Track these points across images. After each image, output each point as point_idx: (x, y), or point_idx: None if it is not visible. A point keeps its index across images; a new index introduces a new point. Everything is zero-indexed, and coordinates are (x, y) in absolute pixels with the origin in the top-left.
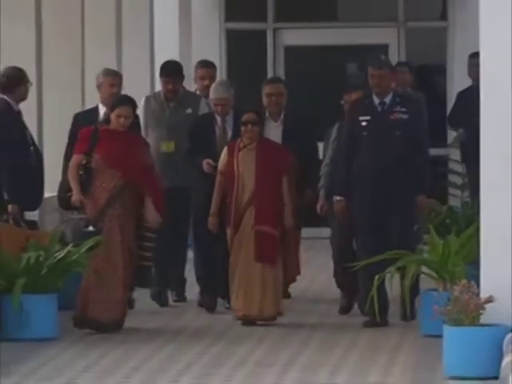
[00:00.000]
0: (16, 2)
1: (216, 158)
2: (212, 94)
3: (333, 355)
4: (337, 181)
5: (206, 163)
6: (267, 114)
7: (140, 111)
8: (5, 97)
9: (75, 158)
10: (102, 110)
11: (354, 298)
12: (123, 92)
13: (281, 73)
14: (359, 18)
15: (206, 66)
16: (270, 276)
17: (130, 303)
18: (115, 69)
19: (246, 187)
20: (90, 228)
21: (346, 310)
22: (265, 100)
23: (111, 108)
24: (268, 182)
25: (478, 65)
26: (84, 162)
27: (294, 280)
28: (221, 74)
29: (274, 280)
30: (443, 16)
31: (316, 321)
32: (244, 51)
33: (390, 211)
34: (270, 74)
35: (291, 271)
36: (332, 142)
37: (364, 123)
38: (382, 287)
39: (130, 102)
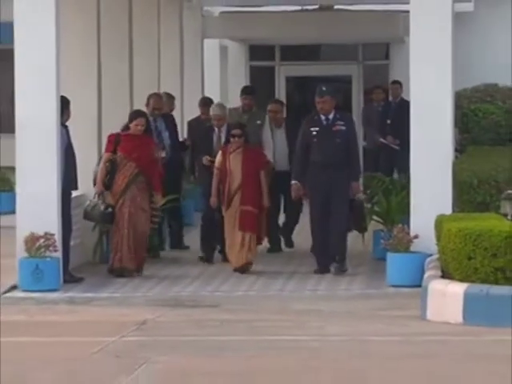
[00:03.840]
0: (113, 43)
1: (213, 156)
2: (211, 112)
3: (315, 275)
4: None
5: (205, 159)
6: (272, 124)
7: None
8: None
9: (105, 156)
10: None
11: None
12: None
13: (283, 93)
14: (333, 58)
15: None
16: (247, 240)
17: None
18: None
19: (235, 179)
20: (109, 209)
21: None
22: (268, 114)
23: (130, 119)
24: (250, 176)
25: (396, 88)
26: (111, 158)
27: (261, 243)
28: None
29: (249, 242)
30: (387, 56)
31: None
32: (261, 80)
33: (332, 193)
34: (276, 94)
35: (262, 236)
36: None
37: (314, 133)
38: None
39: (144, 115)
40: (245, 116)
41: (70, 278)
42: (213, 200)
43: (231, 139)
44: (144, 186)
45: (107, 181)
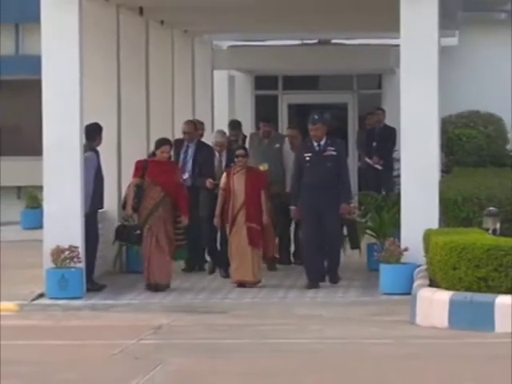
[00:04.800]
0: (132, 71)
1: (215, 179)
2: (212, 139)
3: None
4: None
5: (208, 182)
6: (291, 146)
7: (247, 143)
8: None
9: (133, 181)
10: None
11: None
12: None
13: (285, 119)
14: (331, 87)
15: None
16: (256, 255)
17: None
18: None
19: (238, 198)
20: (138, 231)
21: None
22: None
23: (157, 147)
24: (253, 195)
25: (379, 114)
26: (139, 183)
27: (273, 257)
28: (251, 120)
29: (258, 257)
30: (379, 86)
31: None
32: (265, 107)
33: (323, 213)
34: (279, 120)
35: (270, 251)
36: None
37: (307, 158)
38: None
39: (169, 143)
40: (265, 140)
41: (92, 287)
42: (216, 220)
43: (235, 159)
44: (169, 208)
45: (135, 204)
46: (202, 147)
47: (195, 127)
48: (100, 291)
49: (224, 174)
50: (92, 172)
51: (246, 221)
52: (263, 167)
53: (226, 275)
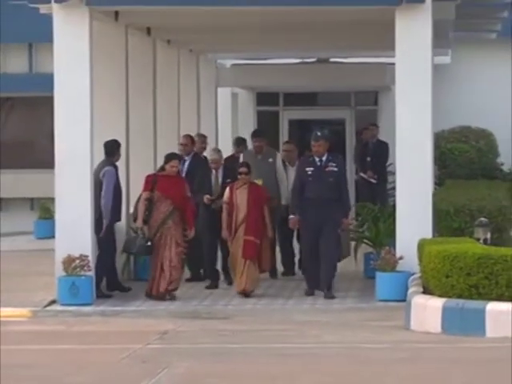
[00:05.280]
0: (140, 88)
1: (211, 195)
2: (208, 156)
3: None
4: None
5: (206, 198)
6: (287, 162)
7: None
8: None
9: (144, 194)
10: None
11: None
12: (208, 147)
13: (286, 134)
14: (329, 103)
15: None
16: (252, 267)
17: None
18: (201, 132)
19: (240, 212)
20: (149, 243)
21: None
22: (282, 153)
23: (166, 161)
24: (254, 209)
25: (372, 129)
26: (149, 196)
27: (266, 270)
28: None
29: (254, 269)
30: (376, 103)
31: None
32: (266, 122)
33: (323, 226)
34: (280, 136)
35: (265, 265)
36: None
37: (309, 172)
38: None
39: (178, 157)
40: (258, 156)
41: (103, 294)
42: (224, 232)
43: (238, 176)
44: (178, 221)
45: (145, 216)
46: (197, 160)
47: (192, 140)
48: (111, 297)
49: (227, 189)
50: (111, 186)
51: (244, 234)
52: (258, 182)
53: (230, 283)
